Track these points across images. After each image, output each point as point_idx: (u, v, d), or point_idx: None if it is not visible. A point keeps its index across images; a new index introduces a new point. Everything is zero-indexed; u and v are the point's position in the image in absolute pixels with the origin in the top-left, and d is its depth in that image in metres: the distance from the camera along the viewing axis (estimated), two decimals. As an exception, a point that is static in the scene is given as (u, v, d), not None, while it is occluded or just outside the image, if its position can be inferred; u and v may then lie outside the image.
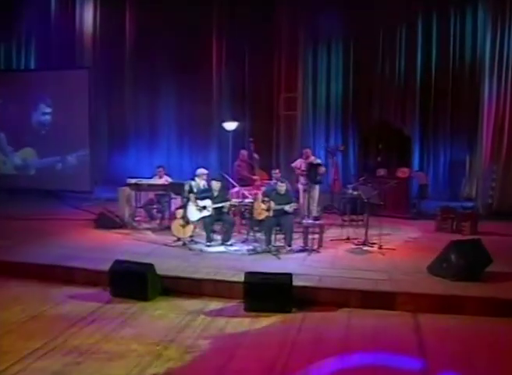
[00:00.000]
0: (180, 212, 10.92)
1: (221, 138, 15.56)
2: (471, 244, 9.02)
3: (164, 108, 17.32)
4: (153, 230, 12.10)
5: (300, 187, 12.75)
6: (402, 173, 13.55)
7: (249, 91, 16.93)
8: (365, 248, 10.72)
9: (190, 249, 10.41)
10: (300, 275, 8.61)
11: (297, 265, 9.43)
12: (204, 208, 10.73)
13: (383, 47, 16.08)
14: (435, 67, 15.60)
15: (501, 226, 12.45)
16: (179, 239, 10.94)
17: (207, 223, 10.72)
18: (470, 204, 14.17)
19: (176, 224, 10.93)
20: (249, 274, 8.06)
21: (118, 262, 8.57)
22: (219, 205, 10.75)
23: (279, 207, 10.32)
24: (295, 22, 16.24)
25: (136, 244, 10.91)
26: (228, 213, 10.99)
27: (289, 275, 8.03)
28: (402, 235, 11.86)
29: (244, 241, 11.03)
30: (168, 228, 11.79)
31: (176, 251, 10.41)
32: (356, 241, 11.06)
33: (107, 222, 12.27)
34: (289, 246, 10.36)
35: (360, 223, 12.24)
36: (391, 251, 10.41)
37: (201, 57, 16.94)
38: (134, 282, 8.28)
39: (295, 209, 10.49)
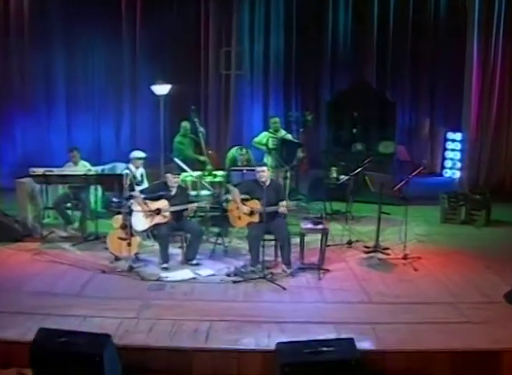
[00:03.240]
0: (119, 218, 7.07)
1: (150, 107, 11.47)
2: None
3: (67, 73, 12.62)
4: (73, 240, 8.05)
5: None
6: (384, 147, 10.34)
7: (171, 47, 12.81)
8: (380, 256, 7.50)
9: (143, 278, 6.61)
10: (344, 325, 5.26)
11: (319, 301, 6.02)
12: (158, 212, 6.95)
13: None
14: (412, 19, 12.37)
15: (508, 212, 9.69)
16: (118, 258, 7.13)
17: (162, 235, 6.95)
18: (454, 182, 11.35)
19: (113, 237, 7.07)
20: (285, 347, 4.50)
21: (45, 334, 4.66)
22: (180, 207, 7.02)
23: (270, 208, 6.76)
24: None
25: (53, 272, 6.83)
26: (190, 218, 7.29)
27: (350, 341, 4.56)
28: (401, 231, 8.71)
29: (211, 256, 7.43)
30: (95, 238, 7.93)
31: (121, 283, 6.53)
32: (361, 246, 7.83)
33: (0, 231, 8.10)
34: (288, 265, 6.87)
35: (351, 217, 9.04)
36: (419, 262, 7.24)
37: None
38: (79, 370, 4.48)
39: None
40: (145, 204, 6.94)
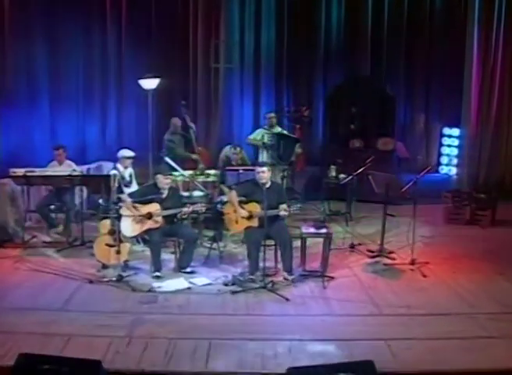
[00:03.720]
0: (106, 223, 6.51)
1: (138, 102, 10.85)
2: None
3: (50, 67, 11.87)
4: (57, 245, 7.47)
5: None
6: (383, 144, 9.86)
7: (158, 39, 12.19)
8: (385, 260, 7.03)
9: (134, 289, 6.05)
10: (357, 342, 4.77)
11: (327, 314, 5.50)
12: (149, 217, 6.40)
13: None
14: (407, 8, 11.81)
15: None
16: (105, 266, 6.57)
17: (154, 242, 6.40)
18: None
19: (100, 244, 6.51)
20: (297, 374, 3.99)
21: (26, 361, 4.10)
22: (173, 211, 6.47)
23: (270, 212, 6.23)
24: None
25: (36, 284, 6.20)
26: (183, 222, 6.74)
27: (369, 365, 4.06)
28: (409, 233, 8.23)
29: (206, 262, 6.90)
30: (81, 243, 7.39)
31: (109, 294, 5.95)
32: (365, 250, 7.35)
33: (-20, 235, 7.51)
34: (290, 272, 6.37)
35: (350, 218, 8.56)
36: (427, 267, 6.77)
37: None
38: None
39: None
40: (135, 208, 6.39)
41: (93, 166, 9.48)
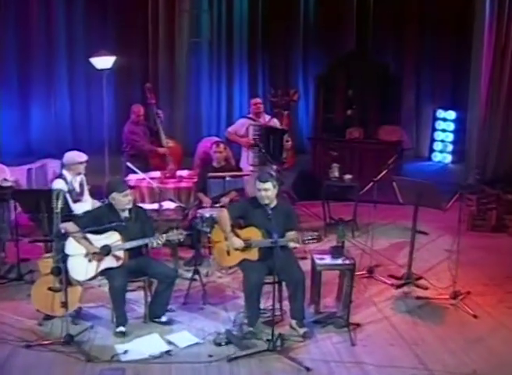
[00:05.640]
0: (47, 261, 4.57)
1: (91, 85, 8.76)
2: None
3: None
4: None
5: (249, 169, 6.70)
6: (386, 133, 8.12)
7: (114, 11, 10.05)
8: (416, 291, 5.36)
9: (89, 358, 4.14)
10: None
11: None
12: (107, 252, 4.50)
13: None
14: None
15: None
16: (50, 317, 4.66)
17: (116, 287, 4.48)
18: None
19: (40, 287, 4.57)
20: None
21: None
22: (139, 242, 4.57)
23: (279, 241, 4.39)
24: None
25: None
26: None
27: None
28: (430, 246, 6.58)
29: (187, 303, 5.07)
30: (17, 277, 5.45)
31: (54, 368, 4.05)
32: (384, 273, 5.66)
33: None
34: (301, 322, 4.56)
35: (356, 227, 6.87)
36: (471, 301, 5.12)
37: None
38: None
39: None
40: (86, 240, 4.49)
41: (35, 165, 7.46)
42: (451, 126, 10.96)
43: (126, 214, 4.62)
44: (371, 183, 5.50)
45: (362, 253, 6.08)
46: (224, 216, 4.65)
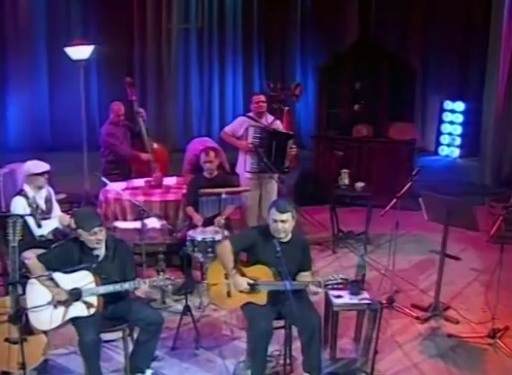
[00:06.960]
0: (5, 304, 3.66)
1: (68, 78, 7.75)
2: None
3: None
4: None
5: (246, 177, 5.79)
6: (398, 131, 7.20)
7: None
8: (446, 327, 4.51)
9: None
10: None
11: None
12: (77, 298, 3.59)
13: None
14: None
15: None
16: (6, 373, 3.75)
17: (87, 344, 3.50)
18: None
19: (-5, 338, 3.70)
20: None
21: None
22: (116, 287, 3.63)
23: (294, 284, 3.52)
24: None
25: None
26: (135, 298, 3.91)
27: None
28: (454, 264, 5.68)
29: (175, 347, 4.16)
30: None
31: None
32: (408, 304, 4.80)
33: None
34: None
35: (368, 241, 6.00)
36: (510, 336, 4.30)
37: None
38: None
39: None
40: (52, 281, 3.57)
41: (4, 170, 6.47)
42: (459, 118, 10.14)
43: (100, 252, 3.69)
44: (393, 201, 4.57)
45: (378, 275, 5.24)
46: (226, 249, 3.72)
